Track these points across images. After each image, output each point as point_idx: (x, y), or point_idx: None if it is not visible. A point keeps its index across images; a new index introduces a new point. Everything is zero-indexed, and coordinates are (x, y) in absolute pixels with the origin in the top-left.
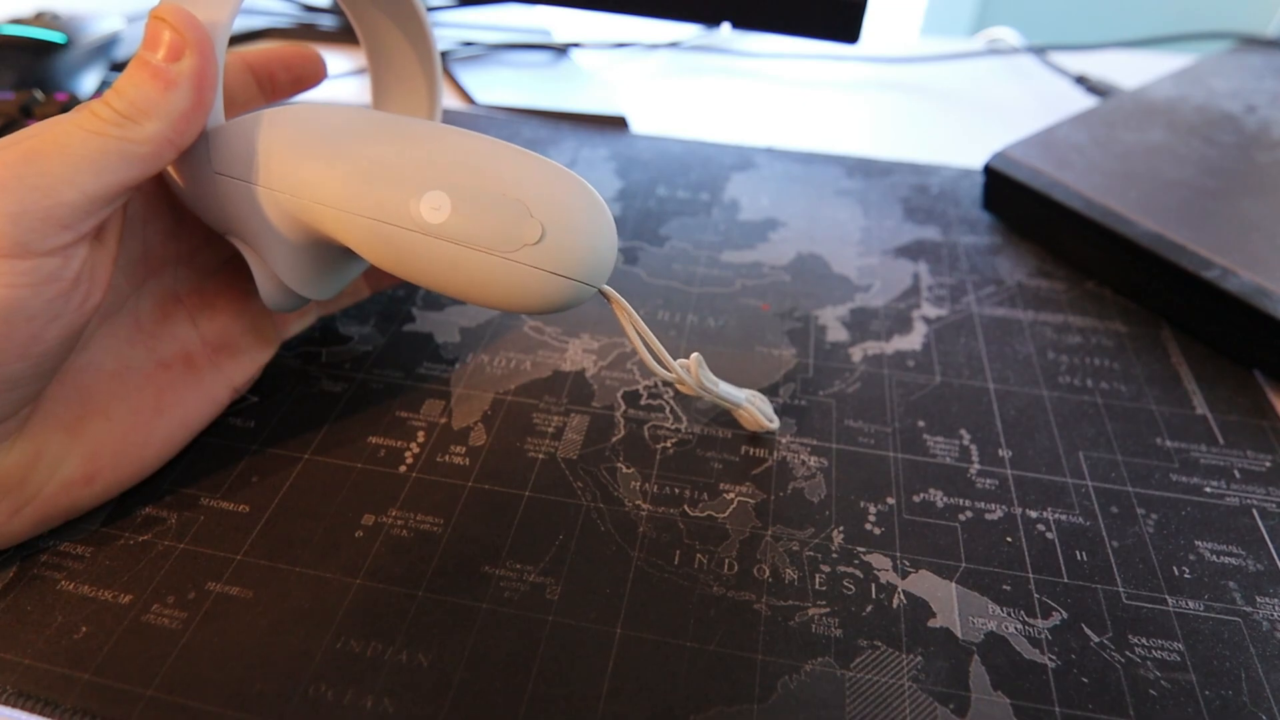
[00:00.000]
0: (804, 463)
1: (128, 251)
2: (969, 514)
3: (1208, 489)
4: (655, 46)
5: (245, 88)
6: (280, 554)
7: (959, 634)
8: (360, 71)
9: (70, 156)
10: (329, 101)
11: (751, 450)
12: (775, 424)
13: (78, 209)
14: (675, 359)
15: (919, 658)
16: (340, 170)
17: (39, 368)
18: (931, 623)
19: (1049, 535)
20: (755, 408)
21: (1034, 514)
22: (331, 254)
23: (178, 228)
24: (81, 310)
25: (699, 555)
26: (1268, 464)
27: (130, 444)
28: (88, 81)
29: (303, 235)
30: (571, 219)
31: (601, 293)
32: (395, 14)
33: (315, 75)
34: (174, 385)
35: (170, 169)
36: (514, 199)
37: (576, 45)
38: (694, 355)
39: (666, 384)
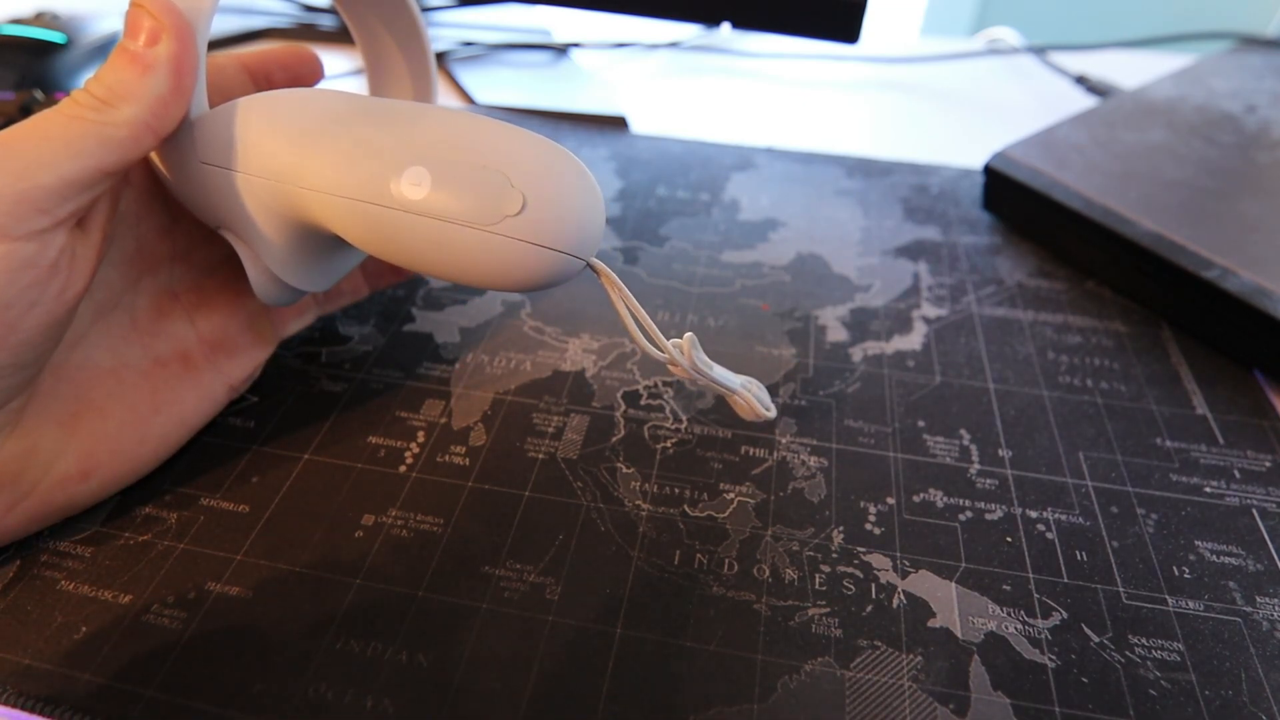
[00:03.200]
0: (804, 463)
1: (122, 248)
2: (969, 514)
3: (1208, 489)
4: (655, 46)
5: (241, 88)
6: (280, 554)
7: (959, 634)
8: (358, 71)
9: (47, 140)
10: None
11: (751, 450)
12: (772, 413)
13: (54, 193)
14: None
15: (919, 658)
16: (321, 153)
17: (19, 358)
18: (931, 623)
19: (1049, 535)
20: (751, 394)
21: (1034, 514)
22: (321, 242)
23: (173, 225)
24: (61, 300)
25: (699, 555)
26: (1268, 464)
27: (127, 441)
28: None
29: (289, 222)
30: (554, 189)
31: (590, 266)
32: (388, 14)
33: (312, 75)
34: (171, 383)
35: (159, 162)
36: (494, 170)
37: (576, 45)
38: (687, 335)
39: (666, 383)
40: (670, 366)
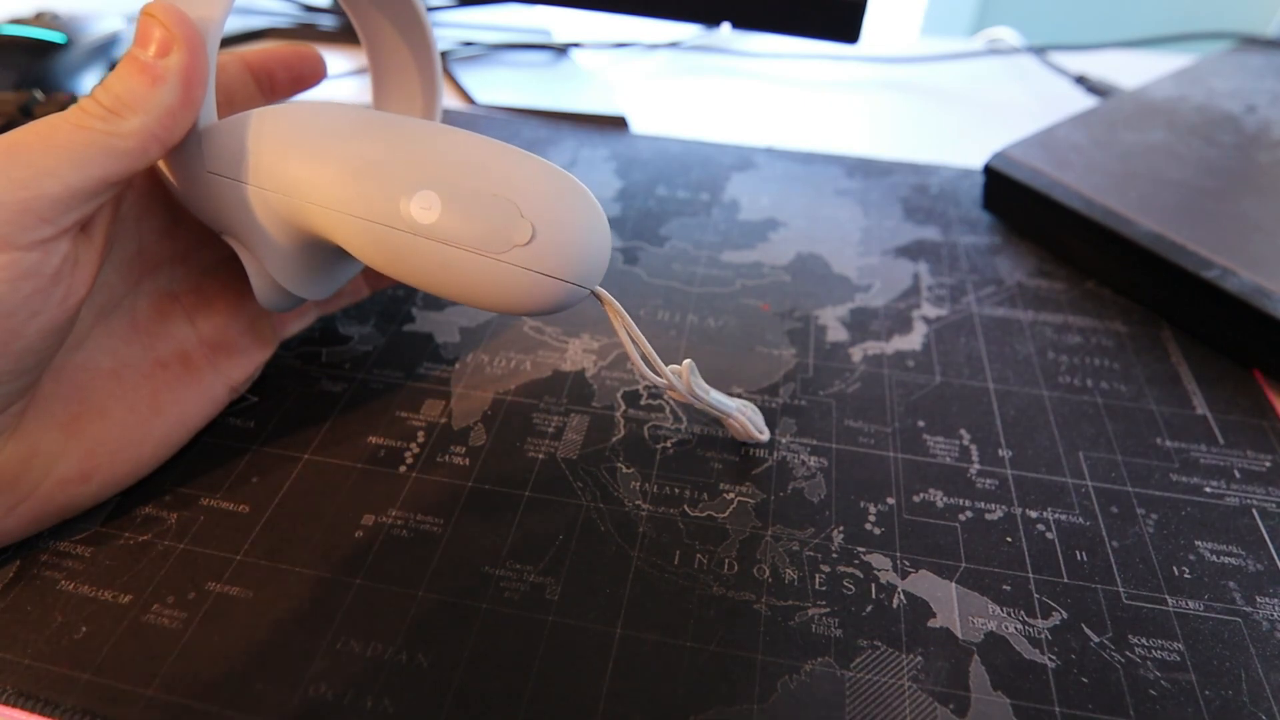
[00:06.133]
0: (804, 463)
1: (122, 250)
2: (969, 514)
3: (1208, 489)
4: (655, 46)
5: (244, 88)
6: (280, 554)
7: (959, 634)
8: (361, 71)
9: (53, 149)
10: (325, 99)
11: (751, 450)
12: (765, 436)
13: (59, 202)
14: (672, 361)
15: (919, 658)
16: (331, 169)
17: (21, 364)
18: (931, 623)
19: (1049, 535)
20: (746, 418)
21: (1034, 514)
22: (325, 253)
23: (174, 226)
24: (64, 307)
25: (699, 555)
26: (1268, 464)
27: (127, 443)
28: (88, 81)
29: (295, 234)
30: (563, 220)
31: (594, 294)
32: (396, 15)
33: (314, 75)
34: (171, 384)
35: (164, 168)
36: (505, 199)
37: (576, 45)
38: (686, 362)
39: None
40: (668, 391)
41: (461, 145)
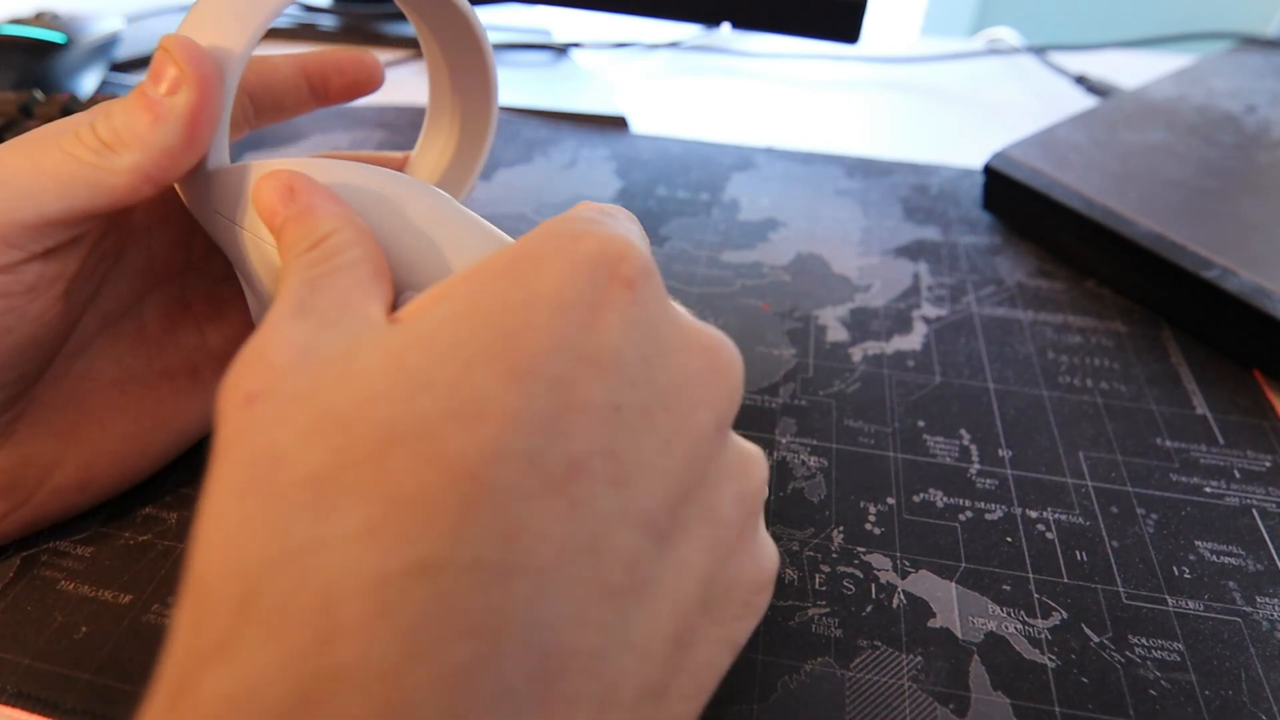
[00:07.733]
0: (804, 463)
1: (131, 260)
2: (969, 514)
3: (1208, 489)
4: (655, 46)
5: (296, 90)
6: None
7: (959, 634)
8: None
9: (38, 175)
10: (335, 159)
11: None
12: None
13: (33, 230)
14: None
15: (919, 658)
16: None
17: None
18: (931, 623)
19: (1049, 535)
20: None
21: (1034, 514)
22: None
23: (188, 236)
24: (40, 322)
25: None
26: (1268, 464)
27: (127, 454)
28: (88, 81)
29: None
30: None
31: None
32: (448, 22)
33: (370, 82)
34: (176, 396)
35: (180, 189)
36: None
37: (576, 45)
38: None
39: None
40: None
41: (461, 243)
